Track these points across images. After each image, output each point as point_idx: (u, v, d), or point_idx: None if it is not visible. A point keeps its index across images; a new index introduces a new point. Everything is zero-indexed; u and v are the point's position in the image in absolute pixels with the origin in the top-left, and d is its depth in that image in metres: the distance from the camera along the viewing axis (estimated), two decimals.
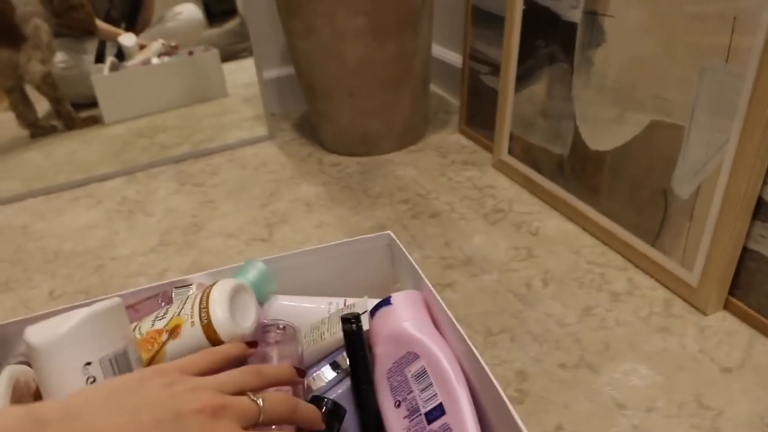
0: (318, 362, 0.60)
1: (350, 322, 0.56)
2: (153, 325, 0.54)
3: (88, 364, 0.43)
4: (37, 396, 0.55)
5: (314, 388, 0.57)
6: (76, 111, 1.79)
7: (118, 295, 0.53)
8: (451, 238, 1.03)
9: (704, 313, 0.81)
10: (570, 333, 0.80)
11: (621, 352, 0.76)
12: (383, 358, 0.58)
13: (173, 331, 0.52)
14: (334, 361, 0.60)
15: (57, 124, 1.79)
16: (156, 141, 1.62)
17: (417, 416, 0.54)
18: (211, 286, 0.54)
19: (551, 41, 1.04)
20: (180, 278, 0.66)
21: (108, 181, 1.42)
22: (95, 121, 1.79)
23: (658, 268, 0.88)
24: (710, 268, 0.79)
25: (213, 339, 0.51)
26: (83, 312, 0.44)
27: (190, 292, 0.62)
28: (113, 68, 1.83)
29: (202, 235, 1.14)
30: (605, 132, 0.95)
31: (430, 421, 0.53)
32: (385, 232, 0.69)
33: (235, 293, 0.53)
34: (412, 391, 0.55)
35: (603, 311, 0.83)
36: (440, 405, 0.53)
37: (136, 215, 1.25)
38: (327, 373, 0.59)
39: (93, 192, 1.38)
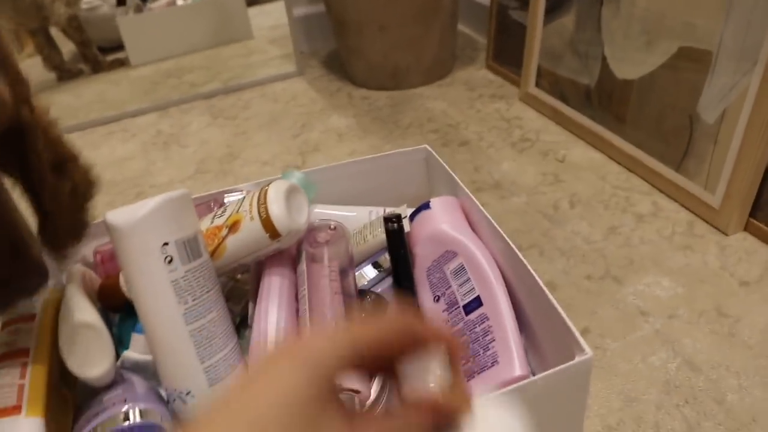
0: (360, 263, 0.64)
1: (392, 221, 0.60)
2: (212, 222, 0.59)
3: (166, 244, 0.47)
4: (104, 290, 0.61)
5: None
6: (102, 54, 1.82)
7: None
8: (480, 164, 1.06)
9: (726, 234, 0.84)
10: (596, 249, 0.83)
11: (645, 266, 0.80)
12: (422, 258, 0.61)
13: (233, 227, 0.57)
14: (376, 261, 0.64)
15: (83, 67, 1.81)
16: (185, 80, 1.64)
17: (455, 309, 0.58)
18: (267, 185, 0.57)
19: None
20: (230, 187, 0.70)
21: (141, 117, 1.46)
22: (122, 63, 1.82)
23: (681, 192, 0.90)
24: (732, 190, 0.82)
25: (271, 232, 0.55)
26: (158, 198, 0.48)
27: (242, 196, 0.67)
28: (138, 10, 1.84)
29: (237, 164, 1.18)
30: (633, 60, 0.96)
31: (467, 313, 0.57)
32: (422, 145, 0.72)
33: (290, 192, 0.57)
34: (450, 286, 0.59)
35: (628, 230, 0.86)
36: (477, 297, 0.57)
37: (171, 147, 1.29)
38: (369, 272, 0.63)
39: (127, 127, 1.42)
